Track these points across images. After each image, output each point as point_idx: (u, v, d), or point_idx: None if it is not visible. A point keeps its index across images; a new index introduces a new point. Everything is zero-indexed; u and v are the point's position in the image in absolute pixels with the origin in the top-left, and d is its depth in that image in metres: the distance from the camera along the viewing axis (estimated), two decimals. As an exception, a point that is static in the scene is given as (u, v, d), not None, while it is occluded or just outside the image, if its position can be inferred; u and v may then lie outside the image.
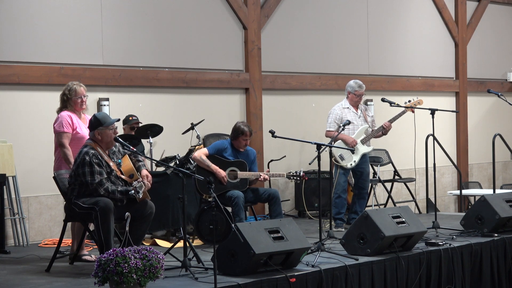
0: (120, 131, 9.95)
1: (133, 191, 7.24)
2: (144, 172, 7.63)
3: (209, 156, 9.10)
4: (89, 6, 10.23)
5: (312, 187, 11.71)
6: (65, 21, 10.03)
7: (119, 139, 7.54)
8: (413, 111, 10.46)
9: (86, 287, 6.65)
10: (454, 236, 8.87)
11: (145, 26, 10.77)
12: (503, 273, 8.85)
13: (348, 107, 10.39)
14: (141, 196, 7.31)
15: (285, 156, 12.01)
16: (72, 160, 7.85)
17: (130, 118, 10.08)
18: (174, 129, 10.68)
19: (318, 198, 8.40)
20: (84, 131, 8.07)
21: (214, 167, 9.03)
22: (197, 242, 9.12)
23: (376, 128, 10.45)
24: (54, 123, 8.12)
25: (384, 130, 10.42)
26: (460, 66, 14.99)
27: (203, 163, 9.04)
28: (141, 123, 10.04)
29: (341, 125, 9.65)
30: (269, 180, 11.16)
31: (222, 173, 9.02)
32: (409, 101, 10.42)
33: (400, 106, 10.20)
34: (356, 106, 10.43)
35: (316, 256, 7.50)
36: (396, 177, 12.80)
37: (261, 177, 9.12)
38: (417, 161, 11.50)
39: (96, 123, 7.47)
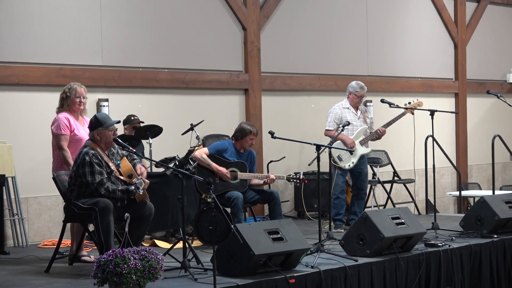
0: (121, 131, 9.94)
1: (133, 187, 7.26)
2: (139, 166, 7.63)
3: (209, 156, 9.10)
4: (89, 7, 10.23)
5: (312, 188, 11.70)
6: (65, 21, 10.03)
7: (118, 140, 7.54)
8: (412, 113, 10.46)
9: (85, 288, 6.67)
10: (453, 237, 8.87)
11: (144, 26, 10.77)
12: (502, 274, 8.86)
13: (348, 107, 10.40)
14: (141, 193, 7.33)
15: (284, 157, 12.01)
16: (71, 161, 7.86)
17: (132, 118, 10.06)
18: (173, 130, 10.68)
19: (318, 199, 8.38)
20: (82, 132, 8.07)
21: (215, 165, 9.03)
22: (196, 243, 9.12)
23: (373, 131, 10.45)
24: (52, 125, 8.12)
25: (377, 135, 10.42)
26: (460, 67, 14.99)
27: (204, 162, 9.04)
28: (142, 122, 10.04)
29: (341, 126, 9.65)
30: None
31: (224, 170, 9.02)
32: (409, 103, 10.43)
33: (400, 107, 10.21)
34: (356, 107, 10.43)
35: (315, 257, 7.51)
36: (396, 178, 12.80)
37: (267, 179, 9.12)
38: (417, 162, 11.52)
39: (96, 124, 7.48)
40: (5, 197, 9.29)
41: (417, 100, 10.54)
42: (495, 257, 8.78)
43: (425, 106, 10.35)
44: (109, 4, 10.40)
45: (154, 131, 9.85)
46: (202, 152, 9.10)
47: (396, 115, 10.47)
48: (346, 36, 13.19)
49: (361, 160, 10.36)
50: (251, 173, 9.22)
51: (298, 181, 9.09)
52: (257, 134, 9.33)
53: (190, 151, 9.49)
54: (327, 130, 10.35)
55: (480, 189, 14.73)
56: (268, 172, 11.76)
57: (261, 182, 9.22)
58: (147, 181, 7.51)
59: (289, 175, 9.21)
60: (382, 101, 10.23)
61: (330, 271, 7.25)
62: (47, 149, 8.46)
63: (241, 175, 9.12)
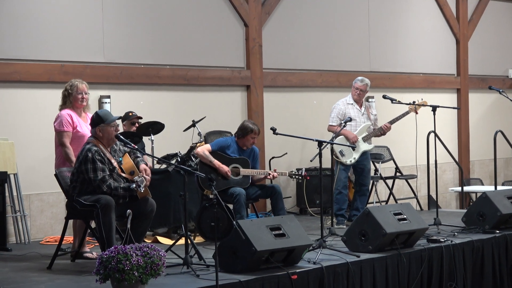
0: (120, 128, 9.95)
1: (134, 185, 7.26)
2: (143, 166, 7.63)
3: (211, 153, 9.12)
4: (90, 4, 10.23)
5: (314, 184, 11.69)
6: (66, 18, 10.03)
7: (121, 136, 7.54)
8: (417, 113, 10.43)
9: (87, 285, 6.66)
10: (455, 233, 8.88)
11: (146, 23, 10.77)
12: (504, 270, 8.85)
13: (352, 103, 10.38)
14: (142, 190, 7.33)
15: (286, 153, 12.02)
16: (73, 158, 7.86)
17: (130, 114, 10.07)
18: (175, 127, 10.68)
19: (320, 195, 8.39)
20: (84, 129, 8.08)
21: (217, 162, 9.04)
22: (198, 239, 9.12)
23: (377, 127, 10.45)
24: (54, 122, 8.13)
25: (383, 131, 10.41)
26: (461, 63, 14.99)
27: (206, 158, 9.05)
28: (141, 117, 10.04)
29: (343, 122, 9.64)
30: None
31: (225, 168, 9.03)
32: (414, 102, 10.39)
33: (402, 103, 10.19)
34: (360, 103, 10.42)
35: (317, 253, 7.50)
36: (398, 174, 12.80)
37: (270, 175, 9.14)
38: (419, 158, 11.51)
39: (98, 120, 7.48)
40: (7, 194, 9.30)
41: (422, 99, 10.51)
42: (497, 253, 8.77)
43: (427, 103, 10.34)
44: (111, 1, 10.40)
45: (156, 127, 9.86)
46: (204, 149, 9.11)
47: (400, 112, 10.46)
48: (348, 32, 13.19)
49: (363, 156, 10.36)
50: (253, 169, 9.23)
51: (300, 177, 9.11)
52: (259, 133, 9.33)
53: (192, 148, 9.50)
54: (330, 125, 10.35)
55: (482, 184, 14.72)
56: (270, 168, 11.77)
57: (262, 177, 9.24)
58: (148, 177, 7.51)
59: (291, 171, 9.22)
60: (384, 97, 10.22)
61: (332, 267, 7.24)
62: (49, 146, 8.46)
63: (244, 171, 9.13)
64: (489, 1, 15.57)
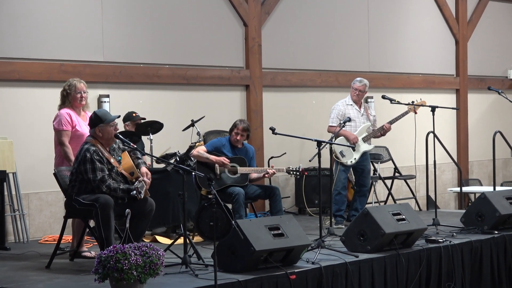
0: (121, 128, 9.94)
1: (134, 192, 7.26)
2: (144, 169, 7.63)
3: (207, 153, 9.12)
4: (90, 3, 10.23)
5: (313, 184, 11.70)
6: (66, 17, 10.03)
7: (120, 136, 7.54)
8: (416, 113, 10.43)
9: (86, 284, 6.66)
10: (454, 233, 8.88)
11: (145, 22, 10.77)
12: (503, 270, 8.86)
13: (351, 104, 10.38)
14: (142, 197, 7.33)
15: (285, 153, 12.01)
16: (72, 157, 7.86)
17: (134, 115, 10.06)
18: (174, 126, 10.67)
19: (319, 195, 8.39)
20: (83, 128, 8.07)
21: (213, 156, 9.07)
22: (197, 239, 9.13)
23: (376, 128, 10.44)
24: (53, 121, 8.13)
25: (383, 131, 10.40)
26: (461, 63, 14.99)
27: (202, 156, 9.07)
28: (144, 118, 10.04)
29: (342, 122, 9.64)
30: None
31: (222, 157, 9.05)
32: (413, 102, 10.40)
33: (401, 103, 10.20)
34: (359, 103, 10.42)
35: (316, 253, 7.51)
36: (397, 174, 12.80)
37: (268, 173, 9.15)
38: (418, 158, 11.50)
39: (97, 120, 7.47)
40: (6, 193, 9.29)
41: (421, 99, 10.52)
42: (495, 253, 8.78)
43: (426, 102, 10.35)
44: (110, 1, 10.39)
45: (155, 127, 9.86)
46: (199, 149, 9.13)
47: (399, 113, 10.46)
48: (347, 32, 13.19)
49: (363, 156, 10.36)
50: (250, 167, 9.24)
51: (298, 173, 9.10)
52: (244, 130, 9.26)
53: (191, 147, 9.50)
54: (330, 126, 10.35)
55: (481, 185, 14.73)
56: (269, 167, 11.77)
57: (261, 175, 9.24)
58: (148, 181, 7.50)
59: (289, 167, 9.21)
60: (383, 97, 10.22)
61: (331, 267, 7.25)
62: (48, 145, 8.45)
63: (241, 169, 9.13)
64: (489, 2, 15.58)
